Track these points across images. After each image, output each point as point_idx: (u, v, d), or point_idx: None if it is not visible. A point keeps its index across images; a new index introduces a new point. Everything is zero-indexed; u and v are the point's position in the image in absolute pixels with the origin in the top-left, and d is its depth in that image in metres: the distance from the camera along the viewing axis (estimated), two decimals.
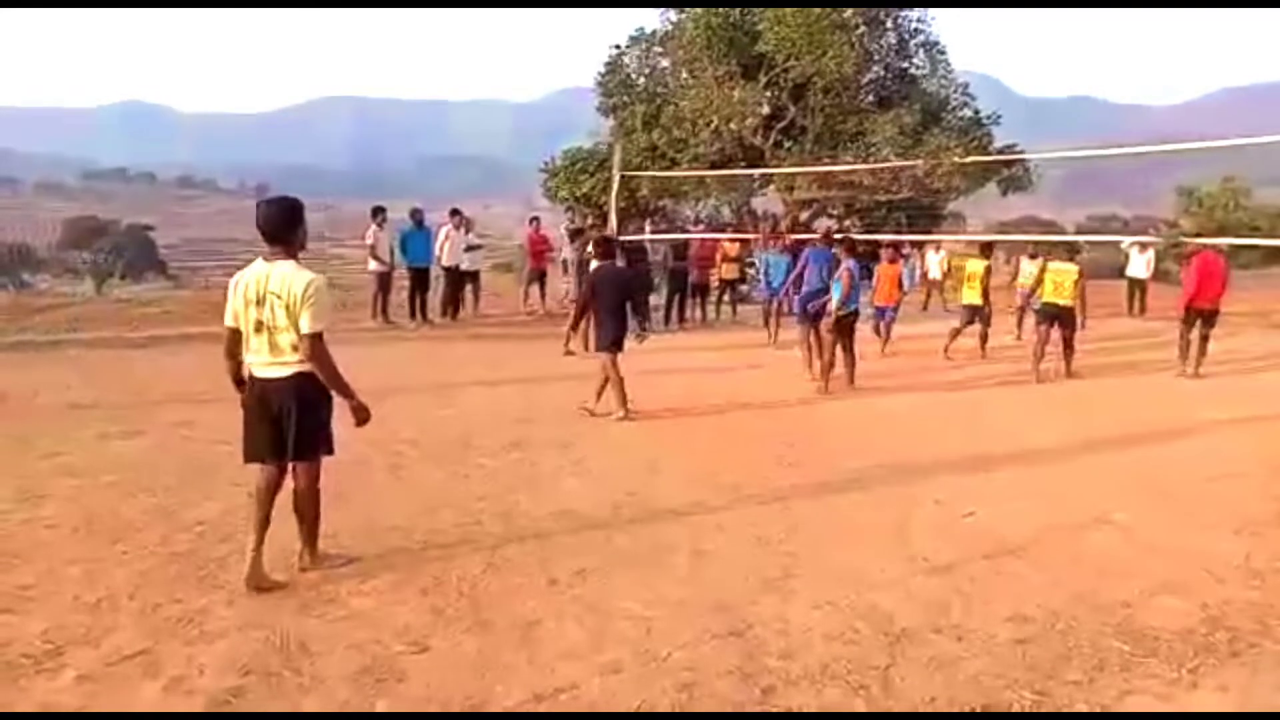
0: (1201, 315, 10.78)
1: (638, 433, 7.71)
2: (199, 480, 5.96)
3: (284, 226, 4.15)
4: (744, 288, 18.01)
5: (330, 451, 4.35)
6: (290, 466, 4.28)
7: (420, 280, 15.12)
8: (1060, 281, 10.92)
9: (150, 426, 7.46)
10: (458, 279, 15.66)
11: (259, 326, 4.10)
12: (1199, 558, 4.82)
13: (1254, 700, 3.34)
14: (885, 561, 4.76)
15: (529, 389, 9.68)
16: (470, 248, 15.93)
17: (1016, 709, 3.29)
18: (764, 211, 22.52)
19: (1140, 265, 18.58)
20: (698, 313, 16.46)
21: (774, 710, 3.29)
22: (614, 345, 8.17)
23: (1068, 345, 10.92)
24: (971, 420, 8.53)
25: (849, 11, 19.02)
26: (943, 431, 8.01)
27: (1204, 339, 10.83)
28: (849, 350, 9.92)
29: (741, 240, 18.25)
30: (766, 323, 13.93)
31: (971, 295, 12.30)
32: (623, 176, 16.15)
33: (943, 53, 21.12)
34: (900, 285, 13.89)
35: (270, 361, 4.12)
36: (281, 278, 4.07)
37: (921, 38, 21.08)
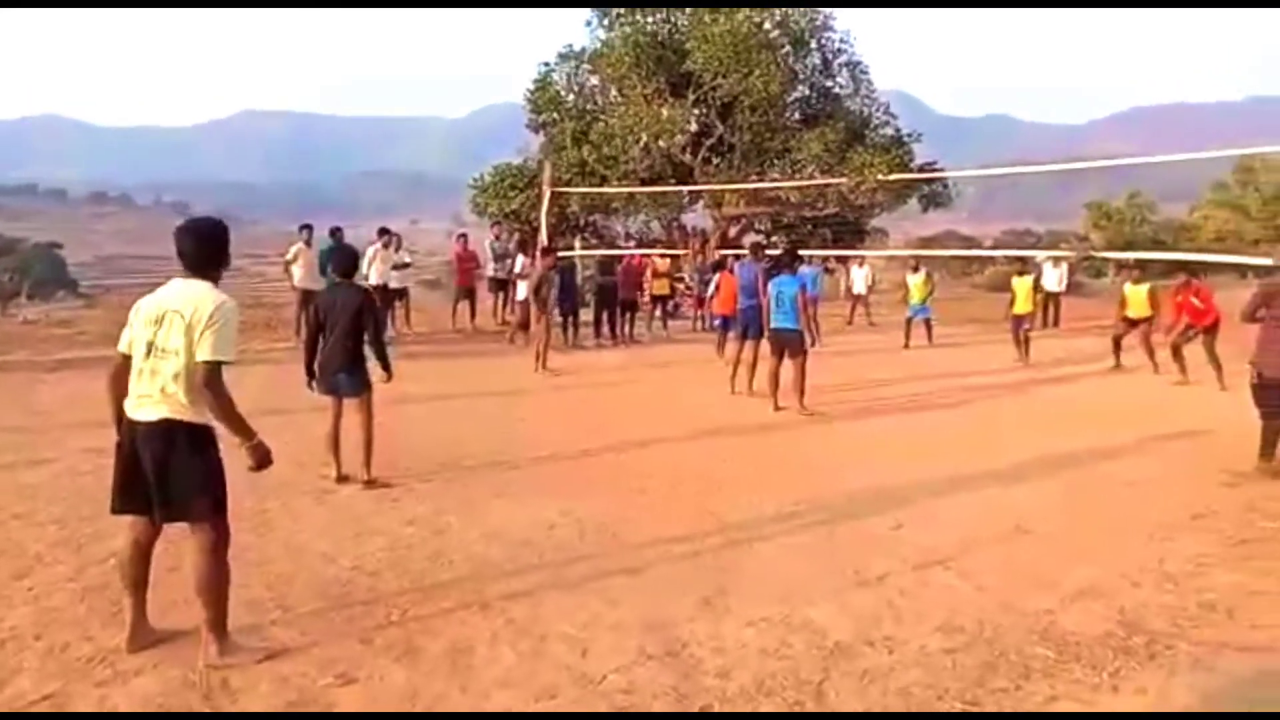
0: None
1: (570, 451, 7.66)
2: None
3: (204, 252, 3.71)
4: (673, 303, 18.13)
5: (220, 510, 3.67)
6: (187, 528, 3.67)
7: None
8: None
9: (59, 454, 7.14)
10: (386, 297, 15.42)
11: (149, 350, 3.57)
12: (1116, 563, 4.97)
13: (1171, 701, 3.45)
14: (818, 576, 4.80)
15: (459, 407, 9.57)
16: (399, 265, 15.72)
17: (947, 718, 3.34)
18: (693, 227, 22.73)
19: (1054, 279, 19.25)
20: (627, 329, 16.50)
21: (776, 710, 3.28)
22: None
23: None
24: (897, 435, 8.69)
25: (775, 32, 19.40)
26: (870, 447, 8.14)
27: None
28: (798, 368, 9.45)
29: (672, 256, 18.40)
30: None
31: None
32: (553, 192, 16.12)
33: (864, 72, 21.69)
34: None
35: (144, 397, 3.56)
36: (190, 296, 3.59)
37: (844, 57, 21.62)
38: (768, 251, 12.41)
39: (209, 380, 3.50)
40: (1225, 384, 10.62)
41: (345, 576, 4.73)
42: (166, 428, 3.55)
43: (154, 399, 3.56)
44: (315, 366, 6.56)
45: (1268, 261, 7.45)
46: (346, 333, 6.40)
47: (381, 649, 3.88)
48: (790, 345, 9.42)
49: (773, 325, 9.53)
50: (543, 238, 15.44)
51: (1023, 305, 13.91)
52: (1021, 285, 14.03)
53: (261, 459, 3.66)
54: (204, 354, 3.50)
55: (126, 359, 3.69)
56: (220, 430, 3.66)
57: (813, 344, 9.70)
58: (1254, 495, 6.27)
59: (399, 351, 13.79)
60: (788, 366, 9.47)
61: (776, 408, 9.44)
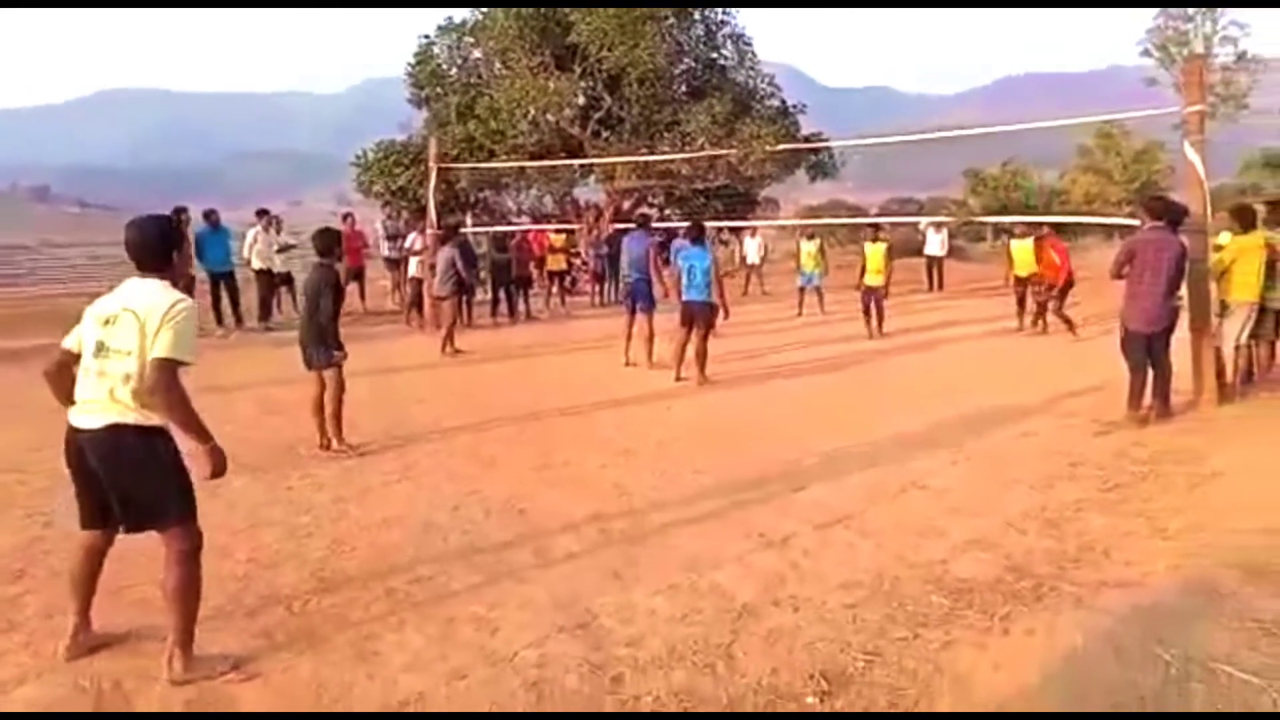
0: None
1: (472, 431, 7.56)
2: None
3: (156, 249, 3.50)
4: (569, 279, 18.06)
5: (188, 514, 3.48)
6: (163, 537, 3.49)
7: (225, 284, 14.22)
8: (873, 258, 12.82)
9: None
10: (270, 281, 14.86)
11: (98, 349, 3.36)
12: (1002, 512, 5.22)
13: (1057, 640, 3.65)
14: (724, 542, 4.88)
15: (355, 391, 9.30)
16: (282, 248, 15.15)
17: (850, 671, 3.45)
18: (586, 201, 22.61)
19: (936, 244, 19.98)
20: (523, 305, 16.36)
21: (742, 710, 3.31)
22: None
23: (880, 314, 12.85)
24: (795, 402, 8.89)
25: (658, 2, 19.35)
26: (769, 414, 8.31)
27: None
28: (702, 339, 9.55)
29: (567, 231, 18.26)
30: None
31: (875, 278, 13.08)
32: (440, 169, 15.76)
33: (749, 44, 21.85)
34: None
35: (89, 402, 3.35)
36: (143, 295, 3.38)
37: (728, 29, 21.71)
38: (655, 224, 12.48)
39: (163, 379, 3.25)
40: (1078, 336, 11.46)
41: (242, 570, 4.56)
42: (115, 433, 3.32)
43: (100, 403, 3.34)
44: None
45: (1133, 222, 7.88)
46: (310, 311, 6.82)
47: (284, 642, 3.76)
48: (701, 317, 9.49)
49: (685, 298, 9.55)
50: (431, 215, 15.09)
51: (874, 276, 13.05)
52: (875, 252, 13.13)
53: (218, 465, 3.42)
54: (158, 351, 3.27)
55: (67, 354, 3.50)
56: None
57: (725, 316, 9.80)
58: (1124, 443, 6.66)
59: (288, 338, 13.36)
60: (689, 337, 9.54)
61: (678, 378, 9.52)
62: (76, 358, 3.48)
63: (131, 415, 3.33)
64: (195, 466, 3.43)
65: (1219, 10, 32.73)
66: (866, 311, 13.06)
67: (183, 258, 3.73)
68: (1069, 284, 12.21)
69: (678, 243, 11.78)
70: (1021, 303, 13.10)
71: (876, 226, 14.95)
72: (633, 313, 10.66)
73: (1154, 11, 34.13)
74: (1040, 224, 13.77)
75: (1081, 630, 3.70)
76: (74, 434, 3.39)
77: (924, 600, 4.07)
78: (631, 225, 11.76)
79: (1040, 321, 12.80)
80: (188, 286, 13.62)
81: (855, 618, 3.91)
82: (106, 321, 3.38)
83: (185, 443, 3.42)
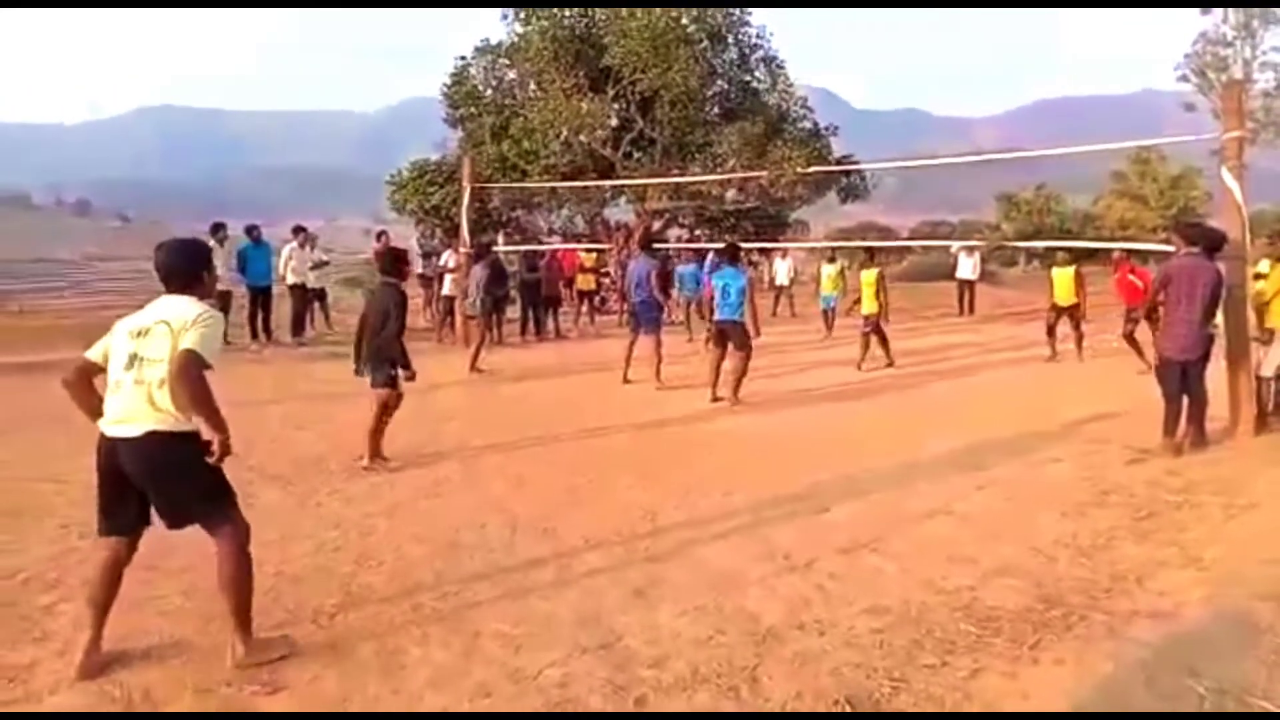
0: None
1: (500, 449, 7.60)
2: (17, 523, 5.47)
3: (186, 269, 3.72)
4: (599, 298, 18.14)
5: (231, 508, 3.68)
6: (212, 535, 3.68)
7: (261, 299, 14.45)
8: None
9: None
10: (304, 297, 15.08)
11: (130, 362, 3.50)
12: (1032, 540, 5.15)
13: (1088, 670, 3.59)
14: (748, 564, 4.86)
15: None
16: (316, 265, 15.38)
17: (876, 696, 3.42)
18: (616, 222, 22.74)
19: (968, 268, 19.85)
20: (552, 324, 16.45)
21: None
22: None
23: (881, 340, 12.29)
24: (823, 424, 8.85)
25: (692, 27, 19.50)
26: (794, 435, 8.27)
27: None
28: (741, 361, 9.50)
29: (598, 251, 18.37)
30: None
31: (871, 305, 12.21)
32: (473, 188, 15.93)
33: (781, 66, 21.92)
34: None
35: (124, 413, 3.47)
36: (174, 307, 3.59)
37: (761, 52, 21.81)
38: (656, 246, 12.69)
39: (188, 367, 3.38)
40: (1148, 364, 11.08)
41: (269, 584, 4.59)
42: (154, 439, 3.45)
43: (137, 412, 3.46)
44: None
45: (1168, 248, 7.79)
46: (376, 329, 6.79)
47: (310, 655, 3.79)
48: (735, 338, 9.49)
49: (718, 317, 9.59)
50: (464, 233, 15.25)
51: (869, 303, 12.28)
52: (868, 278, 12.40)
53: (226, 451, 3.53)
54: (186, 343, 3.43)
55: (89, 365, 3.64)
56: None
57: (756, 335, 9.81)
58: (1157, 471, 6.56)
59: (320, 353, 13.54)
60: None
61: (714, 398, 9.51)
62: (97, 369, 3.62)
63: (169, 422, 3.46)
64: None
65: (1259, 35, 32.34)
66: (865, 342, 12.23)
67: (211, 278, 3.87)
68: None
69: (712, 262, 11.80)
70: (1051, 331, 12.63)
71: (870, 252, 14.01)
72: (635, 332, 10.76)
73: (1192, 36, 33.80)
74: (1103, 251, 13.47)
75: (1113, 660, 3.65)
76: (108, 442, 3.51)
77: (952, 627, 4.02)
78: (666, 245, 11.88)
79: (1079, 349, 12.44)
80: (224, 301, 13.89)
81: (882, 643, 3.88)
82: (139, 334, 3.53)
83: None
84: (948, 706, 3.34)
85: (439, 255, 16.58)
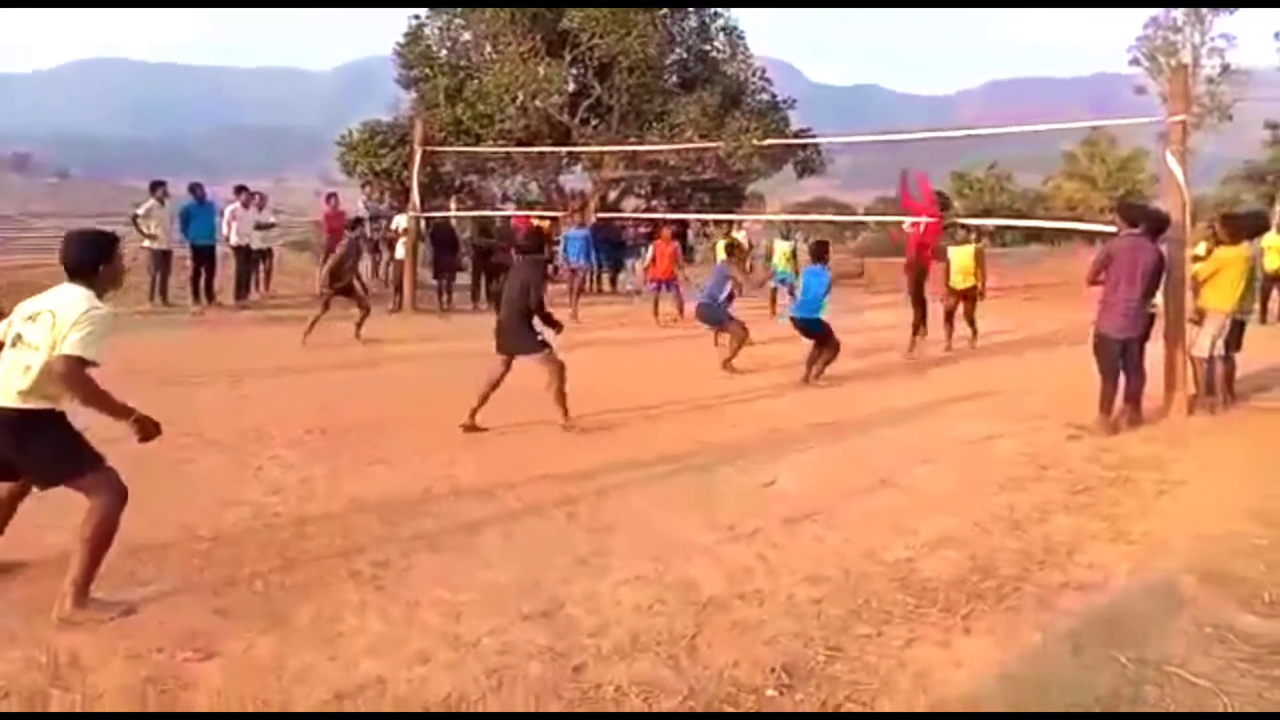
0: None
1: (442, 416, 7.51)
2: None
3: (81, 260, 3.83)
4: (552, 267, 17.97)
5: (98, 462, 3.83)
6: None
7: (204, 260, 14.10)
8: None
9: None
10: (247, 258, 14.74)
11: (15, 341, 3.71)
12: (970, 513, 5.25)
13: (1018, 639, 3.68)
14: (693, 533, 4.88)
15: (330, 374, 9.25)
16: (262, 225, 15.04)
17: (812, 665, 3.46)
18: (572, 190, 22.54)
19: None
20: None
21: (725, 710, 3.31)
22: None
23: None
24: (766, 399, 8.90)
25: None
26: (742, 409, 8.32)
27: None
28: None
29: (552, 218, 18.20)
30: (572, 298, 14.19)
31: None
32: (425, 151, 15.65)
33: (741, 37, 21.81)
34: (677, 261, 14.91)
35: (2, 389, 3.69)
36: (64, 298, 3.73)
37: (721, 21, 21.69)
38: (598, 215, 12.79)
39: (69, 374, 3.56)
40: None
41: (205, 549, 4.52)
42: (11, 417, 3.65)
43: (4, 388, 3.66)
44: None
45: (1111, 229, 7.93)
46: (520, 301, 7.04)
47: (244, 621, 3.73)
48: (812, 336, 9.50)
49: (794, 314, 9.77)
50: (414, 198, 15.01)
51: (965, 279, 11.43)
52: (966, 254, 11.50)
53: (146, 430, 3.82)
54: (66, 349, 3.57)
55: None
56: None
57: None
58: (1094, 448, 6.72)
59: (262, 316, 13.27)
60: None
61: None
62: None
63: (24, 401, 3.65)
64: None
65: (1208, 22, 32.95)
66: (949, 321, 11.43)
67: (110, 271, 3.91)
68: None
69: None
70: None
71: (967, 229, 12.41)
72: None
73: (1144, 19, 34.33)
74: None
75: (1041, 630, 3.73)
76: None
77: (889, 597, 4.08)
78: (613, 215, 11.87)
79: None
80: (164, 261, 13.53)
81: (820, 612, 3.93)
82: (30, 318, 3.73)
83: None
84: (881, 674, 3.39)
85: (386, 219, 16.31)
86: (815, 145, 21.44)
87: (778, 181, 24.85)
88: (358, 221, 13.53)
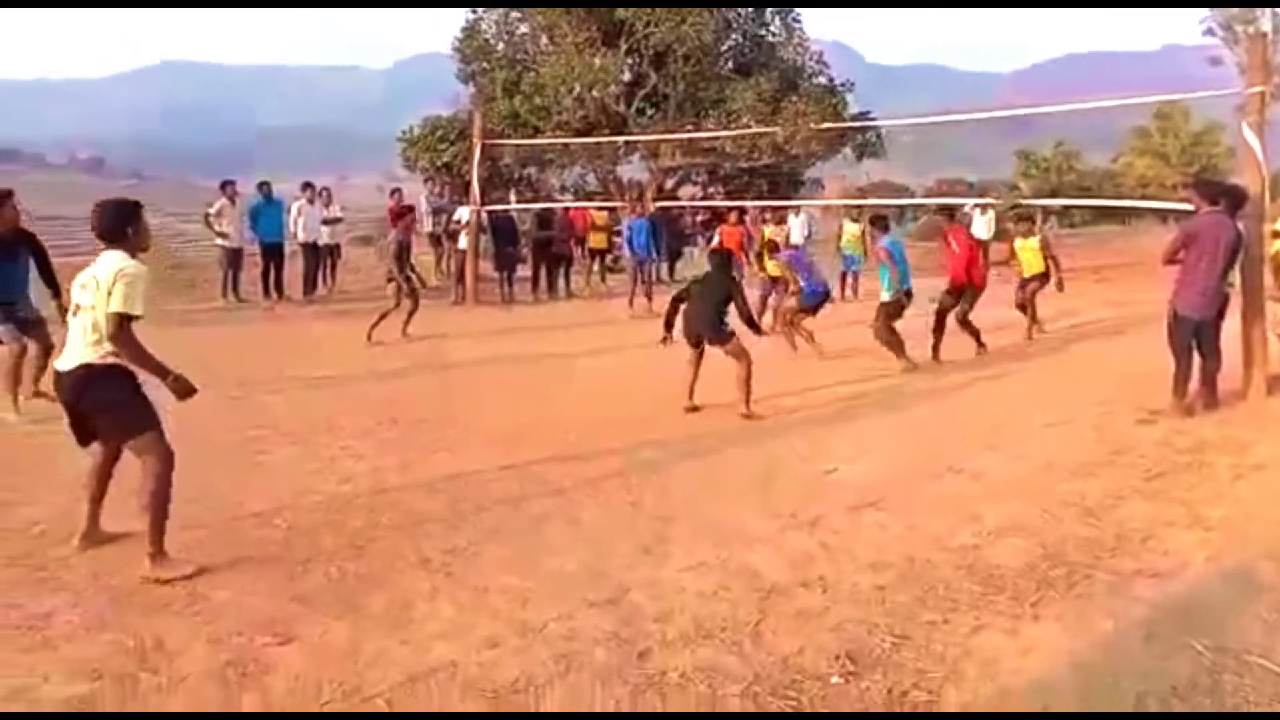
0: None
1: (512, 405, 7.64)
2: (34, 472, 5.56)
3: (112, 227, 4.23)
4: (610, 257, 18.06)
5: (152, 425, 4.19)
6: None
7: (272, 257, 14.49)
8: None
9: None
10: (315, 253, 15.10)
11: (75, 310, 4.18)
12: (1040, 499, 5.16)
13: (1088, 627, 3.62)
14: (755, 520, 4.90)
15: (396, 366, 9.44)
16: (330, 220, 15.39)
17: (877, 652, 3.46)
18: (629, 179, 22.59)
19: (981, 227, 19.61)
20: (562, 283, 16.41)
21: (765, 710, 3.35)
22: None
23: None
24: (833, 383, 8.83)
25: None
26: (807, 394, 8.27)
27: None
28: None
29: (609, 209, 18.27)
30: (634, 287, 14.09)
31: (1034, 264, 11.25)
32: (484, 145, 15.83)
33: (798, 20, 21.61)
34: (743, 247, 14.41)
35: (67, 350, 4.18)
36: (104, 263, 4.15)
37: (777, 5, 21.48)
38: (657, 204, 12.73)
39: (117, 331, 4.00)
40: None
41: (281, 537, 4.68)
42: (81, 373, 4.11)
43: (72, 351, 4.14)
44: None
45: (1187, 206, 7.65)
46: (715, 303, 7.47)
47: (320, 607, 3.86)
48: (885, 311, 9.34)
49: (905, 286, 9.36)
50: (475, 191, 15.19)
51: (1036, 266, 11.27)
52: (1031, 246, 11.42)
53: (183, 389, 4.20)
54: (112, 307, 4.00)
55: None
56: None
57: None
58: (1168, 431, 6.53)
59: (330, 310, 13.59)
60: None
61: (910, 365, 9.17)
62: None
63: (92, 356, 4.09)
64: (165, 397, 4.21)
65: None
66: (1030, 309, 11.11)
67: (138, 234, 4.32)
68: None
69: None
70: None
71: (1030, 219, 12.72)
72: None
73: None
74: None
75: (1113, 618, 3.67)
76: (57, 375, 4.26)
77: (955, 584, 4.05)
78: (671, 204, 11.81)
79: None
80: (235, 259, 13.93)
81: (884, 600, 3.91)
82: (81, 286, 4.17)
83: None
84: (948, 662, 3.37)
85: (449, 213, 16.53)
86: (874, 128, 21.13)
87: (837, 165, 24.55)
88: (407, 209, 13.66)
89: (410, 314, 11.00)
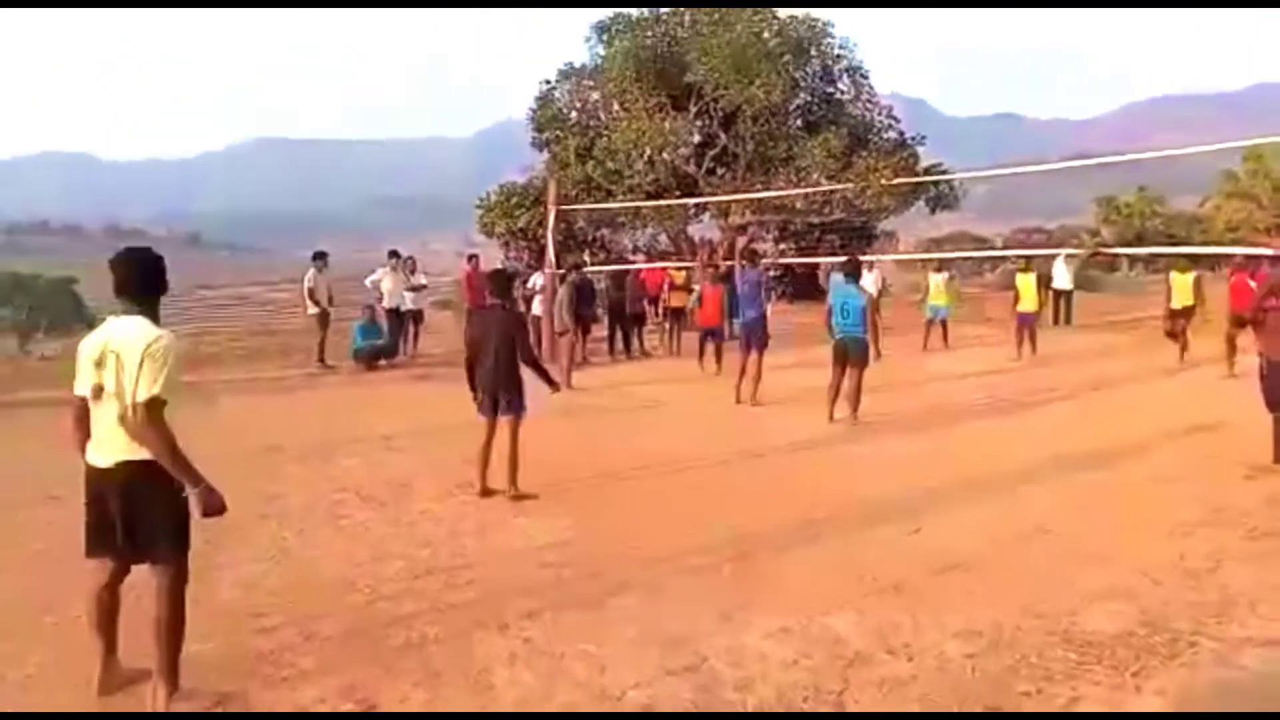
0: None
1: (589, 468, 7.65)
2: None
3: (144, 283, 3.60)
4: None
5: (181, 551, 3.58)
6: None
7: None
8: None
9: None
10: (399, 319, 15.52)
11: (97, 393, 3.49)
12: (1136, 561, 4.94)
13: (1193, 699, 3.42)
14: (836, 585, 4.79)
15: (473, 430, 9.56)
16: (414, 287, 15.85)
17: None
18: (701, 238, 22.77)
19: (1065, 277, 19.16)
20: (638, 343, 16.49)
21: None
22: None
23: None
24: (916, 439, 8.65)
25: (774, 41, 19.48)
26: (888, 451, 8.12)
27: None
28: (857, 379, 9.26)
29: (687, 268, 18.42)
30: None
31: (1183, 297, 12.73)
32: (558, 209, 16.18)
33: (865, 77, 21.72)
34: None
35: (100, 441, 3.51)
36: (125, 335, 3.47)
37: (845, 63, 21.65)
38: (764, 260, 12.46)
39: (148, 420, 3.37)
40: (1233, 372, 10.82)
41: (363, 601, 4.74)
42: (125, 470, 3.46)
43: (109, 443, 3.49)
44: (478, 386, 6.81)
45: (1269, 251, 7.38)
46: (502, 355, 6.61)
47: (401, 673, 3.89)
48: (854, 355, 9.24)
49: (837, 335, 9.33)
50: (550, 255, 15.49)
51: (1028, 302, 13.90)
52: (1026, 283, 14.00)
53: (209, 506, 3.47)
54: (141, 394, 3.38)
55: (84, 401, 3.57)
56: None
57: (877, 356, 9.62)
58: (1274, 488, 6.21)
59: (411, 375, 13.91)
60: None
61: (832, 419, 9.24)
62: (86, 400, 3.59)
63: (137, 452, 3.44)
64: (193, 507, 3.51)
65: None
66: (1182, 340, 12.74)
67: (164, 293, 3.71)
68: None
69: (834, 277, 11.47)
70: (1172, 335, 12.85)
71: (1192, 257, 15.12)
72: (747, 351, 10.60)
73: None
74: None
75: (1221, 690, 3.47)
76: (91, 471, 3.55)
77: (1048, 653, 3.88)
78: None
79: (1182, 354, 12.53)
80: (324, 322, 14.39)
81: (974, 669, 3.77)
82: (98, 363, 3.49)
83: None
84: None
85: (526, 278, 16.85)
86: (946, 181, 20.97)
87: (912, 217, 24.37)
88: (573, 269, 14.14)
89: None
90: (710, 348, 13.45)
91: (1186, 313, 12.61)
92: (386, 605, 4.68)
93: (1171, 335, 12.78)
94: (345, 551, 5.56)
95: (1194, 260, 13.57)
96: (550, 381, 6.99)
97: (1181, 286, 12.70)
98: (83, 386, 3.56)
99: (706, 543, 5.56)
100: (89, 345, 3.56)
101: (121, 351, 3.43)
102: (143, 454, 3.44)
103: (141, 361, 3.38)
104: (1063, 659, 3.82)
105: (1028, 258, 15.55)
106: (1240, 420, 7.98)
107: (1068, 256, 19.92)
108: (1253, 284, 11.07)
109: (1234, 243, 24.40)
